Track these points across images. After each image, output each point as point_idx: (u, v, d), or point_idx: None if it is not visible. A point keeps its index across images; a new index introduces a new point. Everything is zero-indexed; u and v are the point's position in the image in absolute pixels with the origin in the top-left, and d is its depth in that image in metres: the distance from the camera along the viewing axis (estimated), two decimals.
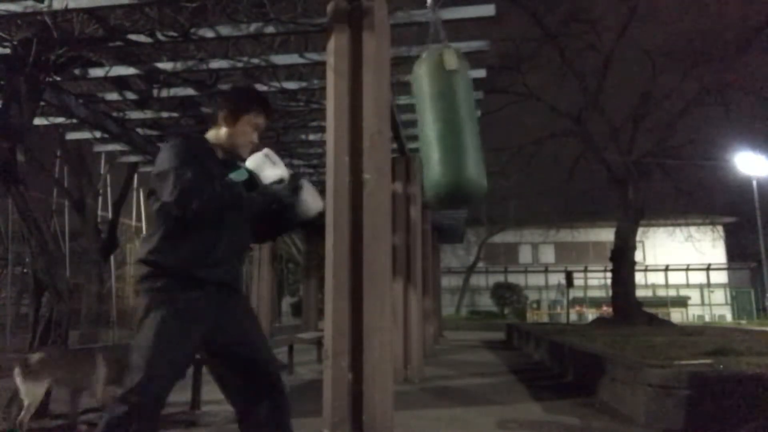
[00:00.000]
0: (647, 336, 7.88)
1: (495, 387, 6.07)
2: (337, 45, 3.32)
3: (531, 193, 21.65)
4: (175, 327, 1.86)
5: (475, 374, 7.19)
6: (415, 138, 6.15)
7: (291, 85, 5.24)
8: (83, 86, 5.32)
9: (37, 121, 5.20)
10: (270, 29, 4.14)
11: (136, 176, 11.43)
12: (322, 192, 2.48)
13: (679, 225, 18.58)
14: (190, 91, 5.34)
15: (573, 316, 25.75)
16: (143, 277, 1.93)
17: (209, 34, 4.20)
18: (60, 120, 5.73)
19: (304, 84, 5.22)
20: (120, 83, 5.22)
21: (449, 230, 13.62)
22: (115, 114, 5.83)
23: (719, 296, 29.45)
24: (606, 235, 22.82)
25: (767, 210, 20.81)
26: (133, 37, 4.27)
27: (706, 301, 29.15)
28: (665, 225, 21.18)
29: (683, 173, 14.66)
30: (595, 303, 27.41)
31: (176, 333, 1.86)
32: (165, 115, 5.81)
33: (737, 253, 28.65)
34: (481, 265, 30.72)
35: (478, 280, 30.99)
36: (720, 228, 22.38)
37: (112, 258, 12.14)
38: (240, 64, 4.77)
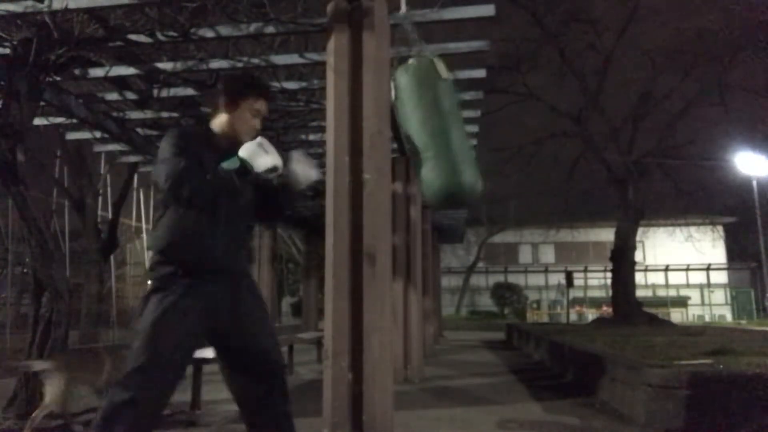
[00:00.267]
0: (647, 336, 7.88)
1: (495, 387, 6.08)
2: (337, 45, 3.31)
3: (531, 193, 21.68)
4: (177, 312, 1.88)
5: (475, 374, 7.19)
6: None
7: (291, 85, 5.24)
8: (83, 86, 5.32)
9: (37, 121, 5.20)
10: (270, 29, 4.14)
11: (136, 176, 11.42)
12: (322, 192, 2.48)
13: (679, 225, 18.58)
14: (190, 91, 5.34)
15: (573, 316, 25.76)
16: (152, 264, 1.99)
17: (209, 34, 4.20)
18: (60, 120, 5.72)
19: (304, 84, 5.22)
20: (120, 83, 5.22)
21: (449, 230, 13.62)
22: (115, 114, 5.82)
23: (719, 296, 29.45)
24: (606, 235, 22.83)
25: (767, 210, 20.82)
26: (133, 37, 4.28)
27: (706, 301, 29.16)
28: (665, 225, 21.18)
29: (683, 173, 14.69)
30: (595, 303, 27.41)
31: (178, 318, 1.88)
32: (165, 115, 5.81)
33: (737, 253, 28.66)
34: (481, 265, 30.72)
35: (478, 280, 30.99)
36: (720, 228, 22.39)
37: (112, 258, 12.12)
38: (240, 64, 4.76)
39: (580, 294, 28.18)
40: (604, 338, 7.39)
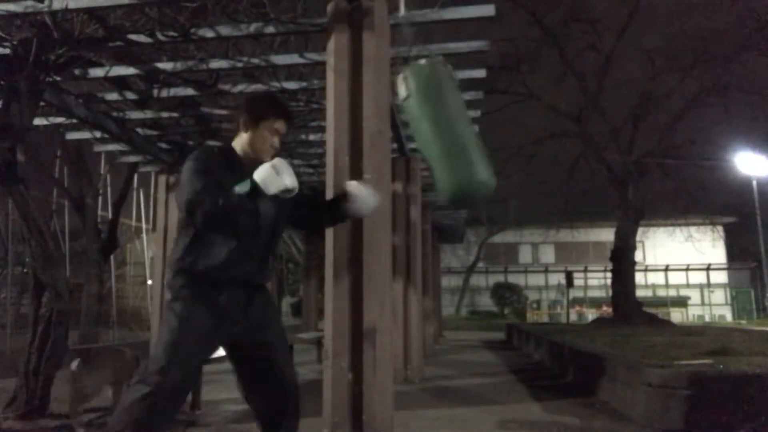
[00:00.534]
0: (647, 336, 7.87)
1: (495, 387, 6.07)
2: (337, 45, 3.32)
3: (531, 193, 21.65)
4: (192, 321, 1.99)
5: (475, 374, 7.19)
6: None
7: (291, 85, 5.24)
8: (83, 86, 5.32)
9: (37, 121, 5.20)
10: (270, 29, 4.15)
11: (136, 176, 11.41)
12: (322, 191, 2.48)
13: (679, 225, 18.57)
14: (190, 91, 5.34)
15: (573, 316, 25.76)
16: (171, 278, 2.08)
17: (209, 34, 4.20)
18: (60, 120, 5.72)
19: (304, 84, 5.22)
20: (120, 83, 5.22)
21: (449, 230, 13.62)
22: (115, 114, 5.82)
23: (719, 296, 29.45)
24: (606, 235, 22.82)
25: (767, 210, 20.82)
26: (133, 37, 4.28)
27: (706, 301, 29.16)
28: (665, 225, 21.19)
29: (683, 173, 14.66)
30: (595, 303, 27.40)
31: (194, 327, 1.99)
32: (165, 115, 5.81)
33: (737, 253, 28.64)
34: (481, 265, 30.71)
35: (478, 280, 30.98)
36: (720, 228, 22.37)
37: (112, 258, 12.12)
38: (240, 64, 4.77)
39: (580, 294, 28.18)
40: (604, 338, 7.38)
